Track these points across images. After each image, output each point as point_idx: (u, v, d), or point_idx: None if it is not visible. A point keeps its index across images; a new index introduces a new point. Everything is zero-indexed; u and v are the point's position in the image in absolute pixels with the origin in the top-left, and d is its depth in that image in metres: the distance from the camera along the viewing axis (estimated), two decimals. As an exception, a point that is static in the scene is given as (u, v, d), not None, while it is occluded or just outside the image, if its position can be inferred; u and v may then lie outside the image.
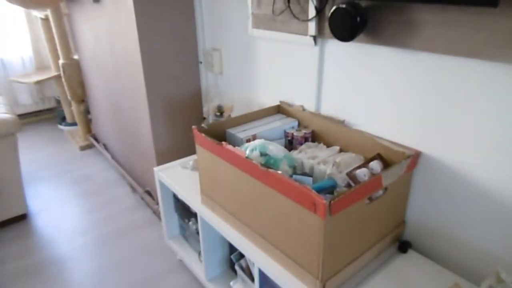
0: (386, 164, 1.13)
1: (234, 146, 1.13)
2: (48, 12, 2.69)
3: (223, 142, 1.14)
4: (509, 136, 0.91)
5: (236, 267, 1.37)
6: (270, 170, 0.98)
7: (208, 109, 1.87)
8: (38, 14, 2.90)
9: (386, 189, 1.03)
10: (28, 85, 3.35)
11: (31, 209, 2.22)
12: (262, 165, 1.01)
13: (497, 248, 1.01)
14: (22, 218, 2.12)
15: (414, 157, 1.08)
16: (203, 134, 1.22)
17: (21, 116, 3.49)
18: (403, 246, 1.17)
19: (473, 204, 1.03)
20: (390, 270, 1.10)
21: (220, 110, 1.77)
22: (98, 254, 1.84)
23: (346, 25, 1.07)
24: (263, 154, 1.17)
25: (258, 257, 1.13)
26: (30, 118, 3.58)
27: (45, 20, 2.85)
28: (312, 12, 1.26)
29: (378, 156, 1.14)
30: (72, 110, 3.07)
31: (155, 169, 1.62)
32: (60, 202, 2.29)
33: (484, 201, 1.00)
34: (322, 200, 0.85)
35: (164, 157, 1.93)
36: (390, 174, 1.00)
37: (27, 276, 1.72)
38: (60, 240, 1.95)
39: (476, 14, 0.87)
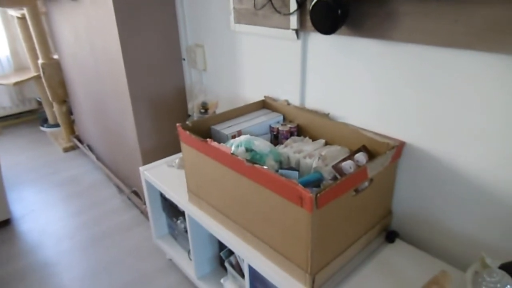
0: (371, 156, 1.14)
1: (219, 142, 1.12)
2: (25, 11, 2.61)
3: (208, 139, 1.13)
4: (491, 123, 0.92)
5: (226, 264, 1.37)
6: (256, 165, 0.98)
7: (193, 106, 1.85)
8: (14, 13, 2.81)
9: (371, 180, 1.04)
10: (6, 87, 3.25)
11: (14, 214, 2.17)
12: (248, 160, 1.00)
13: (482, 234, 1.02)
14: (5, 223, 2.07)
15: (399, 148, 1.09)
16: (187, 132, 1.21)
17: (0, 119, 3.40)
18: (391, 236, 1.18)
19: (458, 192, 1.04)
20: (378, 260, 1.11)
21: (204, 107, 1.75)
22: (86, 257, 1.81)
23: (328, 18, 1.07)
24: (248, 149, 1.16)
25: (247, 253, 1.12)
26: (10, 121, 3.49)
27: (22, 19, 2.77)
28: (293, 6, 1.25)
29: (363, 148, 1.15)
30: (54, 111, 3.01)
31: (141, 168, 1.60)
32: (45, 205, 2.24)
33: (468, 189, 1.02)
34: (309, 194, 0.85)
35: (149, 156, 1.91)
36: (375, 165, 1.01)
37: (14, 282, 1.68)
38: (46, 244, 1.91)
39: (455, 4, 0.87)
